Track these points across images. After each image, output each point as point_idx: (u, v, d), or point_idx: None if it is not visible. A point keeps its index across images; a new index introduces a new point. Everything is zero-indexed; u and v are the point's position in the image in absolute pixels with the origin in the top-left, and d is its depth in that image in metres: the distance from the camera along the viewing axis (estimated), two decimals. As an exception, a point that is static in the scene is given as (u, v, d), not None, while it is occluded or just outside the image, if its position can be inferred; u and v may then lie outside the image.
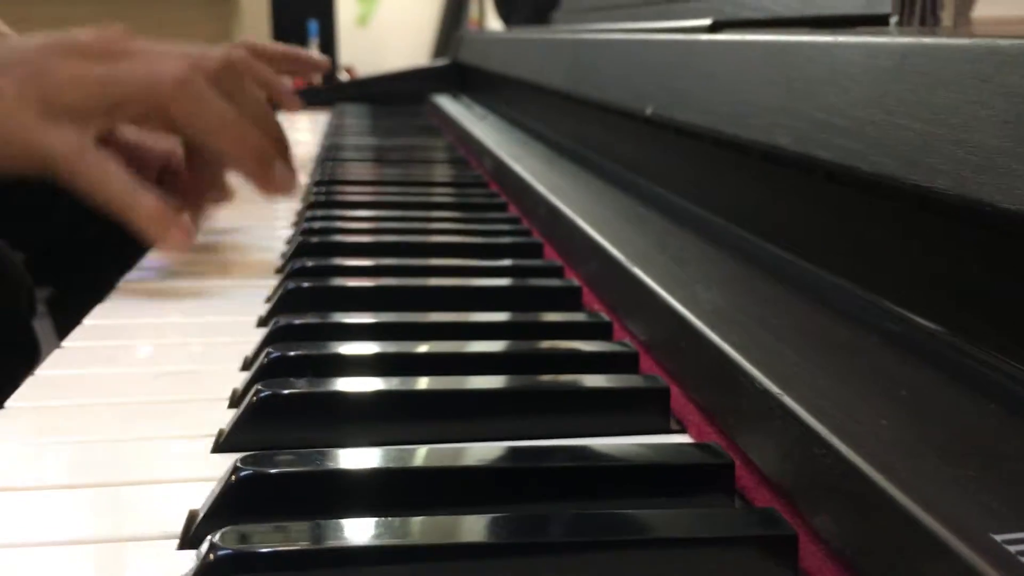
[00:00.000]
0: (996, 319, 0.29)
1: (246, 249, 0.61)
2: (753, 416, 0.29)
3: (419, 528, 0.24)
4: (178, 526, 0.27)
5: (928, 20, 0.45)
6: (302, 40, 3.27)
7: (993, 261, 0.30)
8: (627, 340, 0.39)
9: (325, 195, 0.68)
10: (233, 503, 0.26)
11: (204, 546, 0.23)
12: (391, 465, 0.27)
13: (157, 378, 0.38)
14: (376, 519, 0.25)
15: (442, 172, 0.82)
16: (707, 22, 0.52)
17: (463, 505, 0.27)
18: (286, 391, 0.32)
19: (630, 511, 0.25)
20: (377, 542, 0.23)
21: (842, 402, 0.27)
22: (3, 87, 0.49)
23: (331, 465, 0.27)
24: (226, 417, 0.34)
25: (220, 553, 0.23)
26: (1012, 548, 0.20)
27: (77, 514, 0.28)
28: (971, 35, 0.29)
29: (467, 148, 0.95)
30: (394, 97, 1.47)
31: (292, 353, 0.35)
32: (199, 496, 0.28)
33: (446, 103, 1.24)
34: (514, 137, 0.90)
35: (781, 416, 0.27)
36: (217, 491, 0.26)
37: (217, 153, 0.53)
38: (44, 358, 0.68)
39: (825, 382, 0.29)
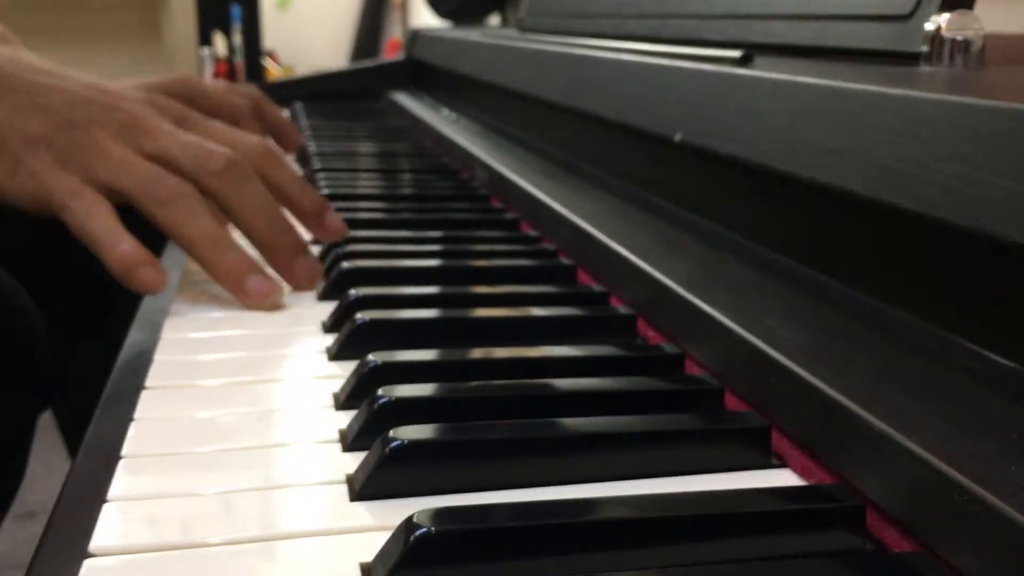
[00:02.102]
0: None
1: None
2: (871, 458, 0.31)
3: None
4: (354, 582, 0.28)
5: (957, 60, 0.48)
6: (225, 25, 3.22)
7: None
8: (704, 375, 0.41)
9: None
10: (414, 560, 0.27)
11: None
12: (561, 520, 0.29)
13: (259, 420, 0.39)
14: None
15: (439, 184, 0.83)
16: (737, 54, 0.54)
17: (623, 549, 0.29)
18: (416, 439, 0.33)
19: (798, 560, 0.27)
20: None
21: (965, 446, 0.29)
22: (45, 135, 0.53)
23: (506, 521, 0.28)
24: (345, 461, 0.35)
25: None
26: None
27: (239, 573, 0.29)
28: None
29: (449, 154, 0.96)
30: (346, 94, 1.47)
31: (402, 396, 0.37)
32: (360, 548, 0.30)
33: (412, 104, 1.25)
34: (497, 143, 0.91)
35: (908, 461, 0.30)
36: (399, 550, 0.28)
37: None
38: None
39: (940, 425, 0.31)
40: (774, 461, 0.36)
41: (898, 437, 0.30)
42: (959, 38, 0.47)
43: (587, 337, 0.46)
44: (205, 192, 0.55)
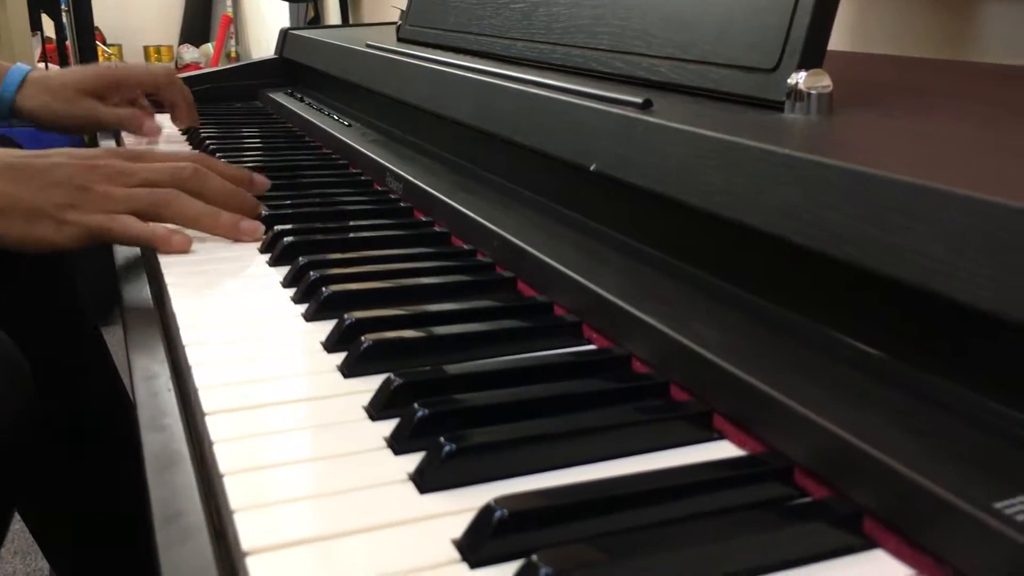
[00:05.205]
0: (932, 346, 0.46)
1: (231, 277, 0.71)
2: (790, 430, 0.44)
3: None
4: (451, 552, 0.39)
5: (812, 108, 0.62)
6: (53, 6, 3.15)
7: (922, 302, 0.46)
8: (651, 372, 0.54)
9: (295, 235, 0.78)
10: (498, 533, 0.39)
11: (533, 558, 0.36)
12: (602, 495, 0.41)
13: (319, 432, 0.49)
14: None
15: (359, 198, 0.92)
16: (639, 99, 0.66)
17: (623, 512, 0.41)
18: (468, 444, 0.45)
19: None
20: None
21: (856, 418, 0.43)
22: (69, 200, 0.75)
23: (565, 499, 0.40)
24: (400, 464, 0.46)
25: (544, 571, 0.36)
26: (1001, 505, 0.36)
27: (356, 556, 0.40)
28: (906, 173, 0.45)
29: (353, 161, 1.05)
30: (218, 96, 1.53)
31: (436, 410, 0.48)
32: (443, 528, 0.41)
33: (296, 106, 1.33)
34: (403, 155, 1.01)
35: (818, 431, 0.43)
36: (487, 528, 0.39)
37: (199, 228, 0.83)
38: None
39: (835, 403, 0.44)
40: (715, 436, 0.49)
41: (810, 414, 0.44)
42: (814, 92, 0.61)
43: (547, 342, 0.58)
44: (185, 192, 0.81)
